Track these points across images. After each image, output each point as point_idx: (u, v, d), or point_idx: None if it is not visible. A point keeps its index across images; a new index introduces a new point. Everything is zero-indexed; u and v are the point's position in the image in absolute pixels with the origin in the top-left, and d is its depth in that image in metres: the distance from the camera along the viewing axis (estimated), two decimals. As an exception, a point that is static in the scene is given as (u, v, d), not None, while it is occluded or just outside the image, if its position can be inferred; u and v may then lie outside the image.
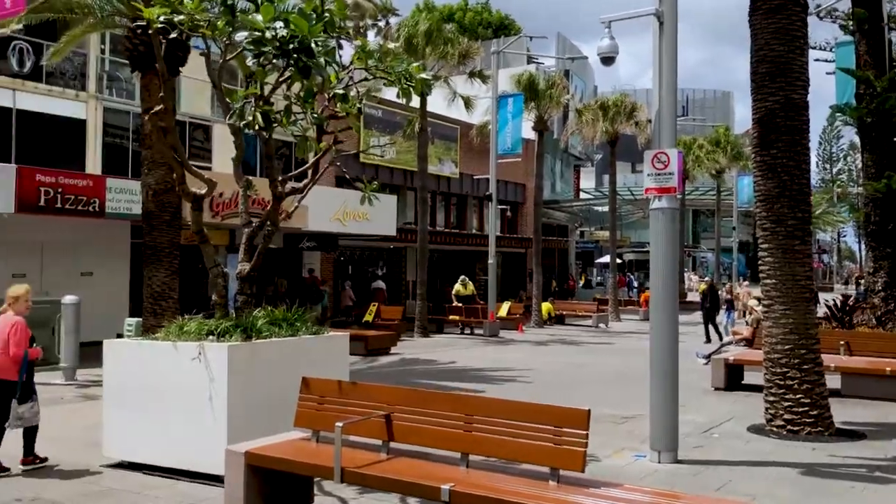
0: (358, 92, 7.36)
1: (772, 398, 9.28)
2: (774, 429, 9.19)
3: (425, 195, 24.61)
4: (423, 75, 7.53)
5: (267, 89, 6.79)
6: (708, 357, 17.38)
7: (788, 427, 9.08)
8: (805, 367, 9.11)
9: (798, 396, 9.06)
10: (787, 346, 9.16)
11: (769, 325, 9.34)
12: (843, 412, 10.15)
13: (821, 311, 18.42)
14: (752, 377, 13.27)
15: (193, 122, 22.86)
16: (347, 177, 8.97)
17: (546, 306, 29.22)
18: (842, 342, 13.35)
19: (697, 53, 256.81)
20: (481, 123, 28.85)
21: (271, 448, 5.69)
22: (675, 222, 7.81)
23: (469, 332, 25.16)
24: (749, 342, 16.41)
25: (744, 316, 30.48)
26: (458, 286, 26.94)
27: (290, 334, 7.50)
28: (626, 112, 33.51)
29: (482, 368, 15.76)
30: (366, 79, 7.86)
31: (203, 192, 7.34)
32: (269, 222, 7.58)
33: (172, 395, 6.96)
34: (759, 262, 9.53)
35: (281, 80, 6.58)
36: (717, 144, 48.30)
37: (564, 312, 30.97)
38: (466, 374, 14.97)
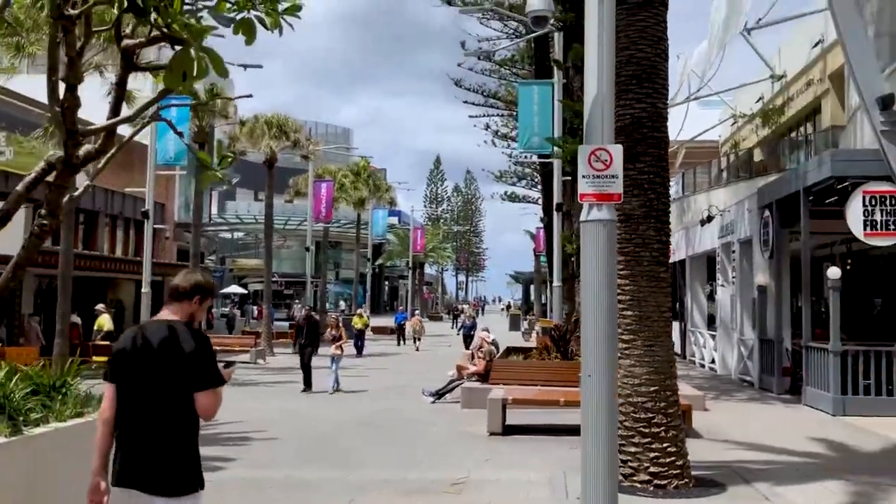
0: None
1: (634, 449, 8.02)
2: (638, 485, 7.93)
3: (72, 205, 19.62)
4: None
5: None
6: (436, 395, 16.02)
7: (655, 482, 7.88)
8: (670, 410, 8.05)
9: (665, 445, 7.94)
10: (652, 388, 8.01)
11: (630, 363, 8.11)
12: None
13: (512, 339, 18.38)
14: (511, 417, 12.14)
15: None
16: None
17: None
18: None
19: (289, 90, 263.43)
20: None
21: None
22: (614, 239, 6.08)
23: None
24: (482, 377, 15.43)
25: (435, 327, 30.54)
26: (100, 320, 22.16)
27: (75, 413, 4.18)
28: (282, 130, 32.02)
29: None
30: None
31: None
32: (45, 207, 4.17)
33: None
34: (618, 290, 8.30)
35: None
36: (357, 175, 48.52)
37: (218, 349, 27.95)
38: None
